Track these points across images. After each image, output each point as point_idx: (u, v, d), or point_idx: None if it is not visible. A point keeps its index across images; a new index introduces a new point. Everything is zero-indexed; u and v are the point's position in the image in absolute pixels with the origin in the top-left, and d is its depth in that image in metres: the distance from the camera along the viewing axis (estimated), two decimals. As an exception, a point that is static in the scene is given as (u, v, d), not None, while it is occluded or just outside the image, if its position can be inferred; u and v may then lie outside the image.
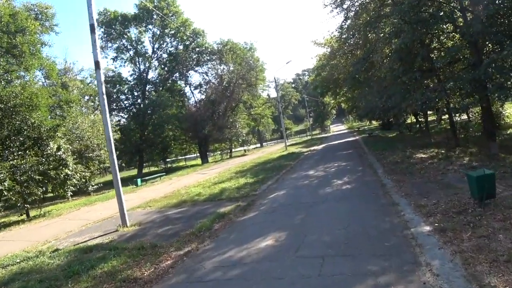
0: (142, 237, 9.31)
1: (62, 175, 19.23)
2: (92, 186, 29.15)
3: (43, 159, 18.65)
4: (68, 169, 19.71)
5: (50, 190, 20.52)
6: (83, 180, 23.27)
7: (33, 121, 17.74)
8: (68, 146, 21.11)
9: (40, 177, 17.71)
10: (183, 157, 59.68)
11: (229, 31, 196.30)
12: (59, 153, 19.33)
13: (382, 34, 16.57)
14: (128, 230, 10.59)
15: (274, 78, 43.05)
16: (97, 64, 11.33)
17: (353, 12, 19.34)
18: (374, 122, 67.31)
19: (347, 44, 22.80)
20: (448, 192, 8.30)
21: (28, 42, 19.05)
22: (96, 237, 10.35)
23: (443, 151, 15.61)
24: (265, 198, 12.19)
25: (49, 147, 19.16)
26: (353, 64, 19.50)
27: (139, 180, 27.12)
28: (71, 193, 21.20)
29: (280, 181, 15.64)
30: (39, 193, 19.83)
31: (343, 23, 20.03)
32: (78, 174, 20.98)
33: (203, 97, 48.83)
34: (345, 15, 19.29)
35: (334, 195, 10.43)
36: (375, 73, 18.20)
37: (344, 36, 21.45)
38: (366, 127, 65.28)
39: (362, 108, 31.19)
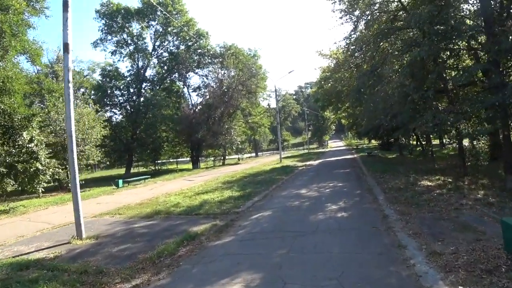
0: (92, 256, 7.74)
1: (31, 170, 17.63)
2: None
3: (13, 150, 17.06)
4: (40, 163, 18.09)
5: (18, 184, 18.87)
6: (57, 177, 21.61)
7: (3, 107, 16.13)
8: (42, 138, 19.51)
9: (5, 170, 16.11)
10: (175, 160, 58.03)
11: (234, 36, 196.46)
12: (31, 145, 17.72)
13: (395, 46, 15.09)
14: (81, 244, 8.97)
15: (275, 87, 41.42)
16: (66, 46, 9.76)
17: (364, 21, 17.90)
18: (373, 141, 66.32)
19: (353, 56, 21.35)
20: (468, 236, 6.69)
21: (10, 21, 17.46)
22: (44, 249, 8.80)
23: (450, 180, 14.07)
24: (247, 218, 10.57)
25: (21, 138, 17.56)
26: (359, 77, 17.97)
27: (120, 181, 25.43)
28: (42, 189, 19.59)
29: (267, 199, 14.02)
30: (7, 187, 18.29)
31: (352, 33, 18.63)
32: (51, 169, 19.38)
33: (200, 100, 47.38)
34: (355, 23, 17.85)
35: (326, 225, 8.80)
36: (382, 88, 16.64)
37: (352, 47, 20.03)
38: (365, 146, 63.99)
39: (363, 126, 29.73)
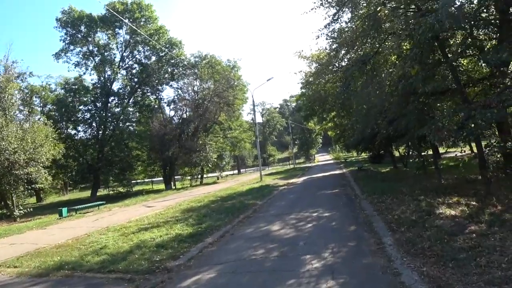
0: None
1: None
2: (20, 210, 23.72)
3: None
4: None
5: None
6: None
7: None
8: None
9: None
10: (150, 180, 53.64)
11: (212, 47, 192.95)
12: None
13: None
14: None
15: (252, 96, 37.36)
16: None
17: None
18: (362, 153, 62.64)
19: (337, 53, 17.45)
20: None
21: None
22: None
23: (474, 203, 10.24)
24: (179, 283, 6.54)
25: None
26: (346, 69, 13.86)
27: (64, 210, 21.15)
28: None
29: (224, 241, 9.88)
30: None
31: (335, 19, 14.72)
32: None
33: (173, 114, 43.25)
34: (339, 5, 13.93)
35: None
36: (377, 85, 12.77)
37: (335, 44, 16.22)
38: (353, 159, 60.35)
39: (354, 135, 25.94)
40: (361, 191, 16.32)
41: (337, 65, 19.47)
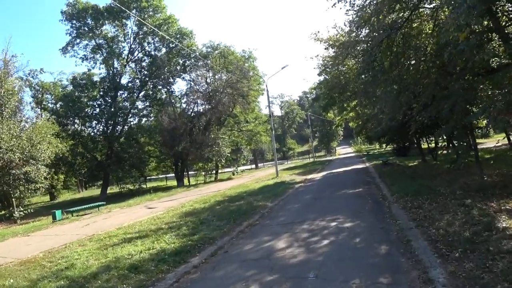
0: None
1: None
2: (21, 211, 22.65)
3: None
4: None
5: None
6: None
7: None
8: None
9: None
10: (164, 176, 52.02)
11: (226, 37, 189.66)
12: None
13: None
14: None
15: (266, 85, 34.81)
16: None
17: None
18: (386, 146, 59.05)
19: (359, 31, 14.81)
20: None
21: None
22: None
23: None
24: None
25: None
26: (372, 38, 10.94)
27: (58, 212, 19.39)
28: None
29: (210, 265, 7.55)
30: None
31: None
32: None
33: (184, 107, 41.08)
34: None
35: None
36: (409, 58, 10.16)
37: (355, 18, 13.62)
38: (376, 151, 57.21)
39: (377, 125, 23.28)
40: (389, 191, 13.74)
41: (358, 48, 16.90)
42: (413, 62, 10.33)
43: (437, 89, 9.51)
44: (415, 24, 10.21)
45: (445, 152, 28.58)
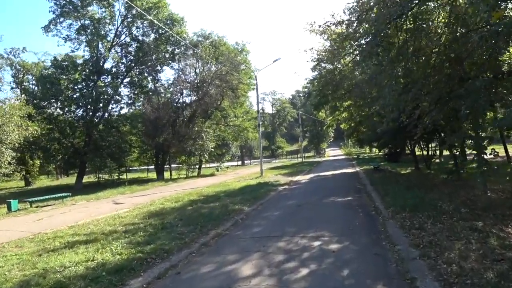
0: None
1: None
2: None
3: None
4: None
5: None
6: None
7: None
8: None
9: None
10: (146, 167, 49.94)
11: (218, 29, 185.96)
12: None
13: None
14: None
15: (256, 78, 32.98)
16: None
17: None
18: (374, 149, 57.58)
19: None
20: None
21: None
22: None
23: None
24: None
25: None
26: (377, 17, 8.91)
27: (15, 202, 17.42)
28: None
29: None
30: None
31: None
32: None
33: (169, 96, 38.95)
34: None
35: None
36: (419, 49, 8.41)
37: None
38: (366, 155, 55.87)
39: (373, 128, 21.63)
40: (382, 203, 12.04)
41: (358, 40, 15.19)
42: (423, 53, 8.61)
43: (449, 86, 7.84)
44: (429, 6, 8.46)
45: (437, 160, 27.22)
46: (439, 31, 8.71)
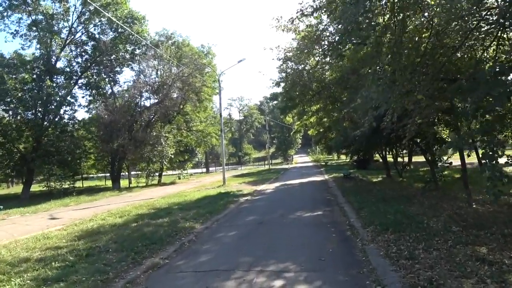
0: None
1: None
2: None
3: None
4: None
5: None
6: None
7: None
8: None
9: None
10: (103, 175, 46.79)
11: (181, 29, 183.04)
12: None
13: None
14: None
15: (219, 80, 30.98)
16: None
17: None
18: (343, 156, 56.53)
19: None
20: None
21: None
22: None
23: None
24: None
25: None
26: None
27: None
28: None
29: None
30: None
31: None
32: None
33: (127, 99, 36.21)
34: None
35: None
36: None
37: None
38: (334, 162, 54.82)
39: (344, 132, 20.01)
40: (358, 219, 10.24)
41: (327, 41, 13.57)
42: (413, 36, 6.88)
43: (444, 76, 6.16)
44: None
45: (407, 167, 26.11)
46: (430, 11, 7.04)
